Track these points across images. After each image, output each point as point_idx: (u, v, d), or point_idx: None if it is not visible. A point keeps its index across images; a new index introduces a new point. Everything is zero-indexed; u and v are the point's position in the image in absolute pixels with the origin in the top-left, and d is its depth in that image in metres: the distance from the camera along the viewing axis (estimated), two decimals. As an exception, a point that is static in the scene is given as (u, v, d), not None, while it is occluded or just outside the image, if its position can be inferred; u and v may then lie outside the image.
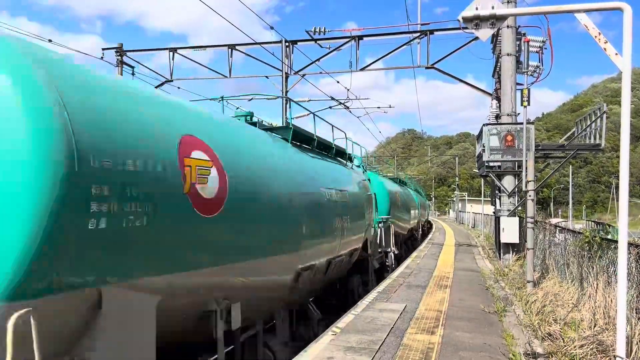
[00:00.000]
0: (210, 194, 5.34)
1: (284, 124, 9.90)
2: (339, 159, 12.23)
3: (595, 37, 5.47)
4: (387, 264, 17.44)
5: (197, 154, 5.30)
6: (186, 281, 5.08)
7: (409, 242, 27.68)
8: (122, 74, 22.54)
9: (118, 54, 22.70)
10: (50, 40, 17.11)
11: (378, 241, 16.26)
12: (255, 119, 8.77)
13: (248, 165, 6.54)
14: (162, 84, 23.24)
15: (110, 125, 4.24)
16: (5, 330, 3.36)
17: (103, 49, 22.68)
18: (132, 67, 22.86)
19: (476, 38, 18.31)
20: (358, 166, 14.74)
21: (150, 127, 4.80)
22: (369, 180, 14.95)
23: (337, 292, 12.58)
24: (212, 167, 5.48)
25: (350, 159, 13.37)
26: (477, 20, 5.27)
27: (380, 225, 16.71)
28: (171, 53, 22.88)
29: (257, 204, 6.53)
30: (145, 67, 24.17)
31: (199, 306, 5.57)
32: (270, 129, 8.79)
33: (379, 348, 6.70)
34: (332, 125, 11.84)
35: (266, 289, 7.20)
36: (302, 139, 9.72)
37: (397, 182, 28.06)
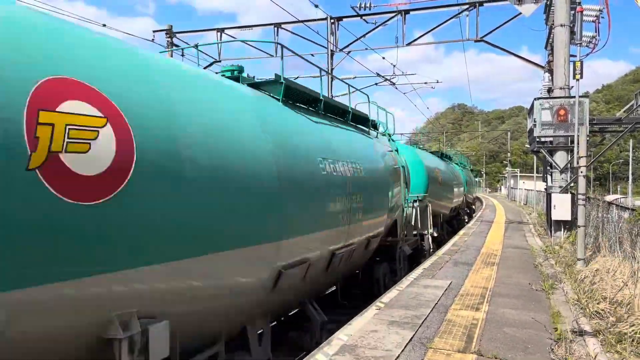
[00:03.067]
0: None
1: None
2: (357, 125, 10.74)
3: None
4: (424, 248, 15.84)
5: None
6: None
7: (454, 222, 26.38)
8: (172, 55, 23.12)
9: (168, 36, 23.28)
10: (104, 25, 17.75)
11: (413, 222, 14.88)
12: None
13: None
14: (211, 64, 23.59)
15: None
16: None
17: (154, 32, 23.37)
18: (182, 49, 23.39)
19: (528, 8, 17.65)
20: (383, 134, 12.74)
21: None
22: (396, 151, 12.95)
23: (361, 280, 11.52)
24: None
25: (374, 126, 11.97)
26: (524, -7, 5.14)
27: (415, 204, 15.13)
28: (219, 33, 23.25)
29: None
30: (194, 47, 24.65)
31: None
32: (257, 84, 7.45)
33: (422, 323, 6.81)
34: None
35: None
36: (300, 98, 8.21)
37: (440, 157, 25.68)
